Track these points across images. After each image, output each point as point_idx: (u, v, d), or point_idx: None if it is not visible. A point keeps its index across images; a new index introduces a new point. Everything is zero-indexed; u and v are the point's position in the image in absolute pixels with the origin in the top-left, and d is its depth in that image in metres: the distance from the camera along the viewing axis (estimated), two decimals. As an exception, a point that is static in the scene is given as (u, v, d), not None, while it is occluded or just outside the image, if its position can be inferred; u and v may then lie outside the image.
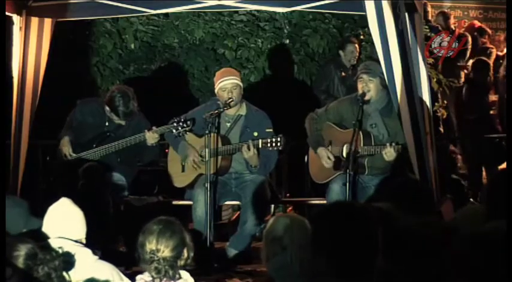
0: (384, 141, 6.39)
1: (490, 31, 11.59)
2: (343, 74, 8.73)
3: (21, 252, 3.48)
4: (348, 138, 6.35)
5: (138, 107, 6.88)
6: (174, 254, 3.91)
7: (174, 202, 6.97)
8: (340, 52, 8.84)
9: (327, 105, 6.99)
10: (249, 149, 6.39)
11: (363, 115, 6.40)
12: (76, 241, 4.20)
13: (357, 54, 8.80)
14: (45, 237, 4.18)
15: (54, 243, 4.06)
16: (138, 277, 3.98)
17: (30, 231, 4.31)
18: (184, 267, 3.99)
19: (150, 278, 3.91)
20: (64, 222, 4.25)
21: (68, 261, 3.73)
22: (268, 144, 6.35)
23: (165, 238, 3.91)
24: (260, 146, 6.40)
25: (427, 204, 4.24)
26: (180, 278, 3.95)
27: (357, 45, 8.79)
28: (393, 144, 6.23)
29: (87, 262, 4.09)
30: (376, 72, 6.35)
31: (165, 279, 3.90)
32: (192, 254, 4.01)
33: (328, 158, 6.58)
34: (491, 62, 10.19)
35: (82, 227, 4.29)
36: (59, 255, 3.57)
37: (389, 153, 6.22)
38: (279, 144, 6.33)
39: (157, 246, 3.90)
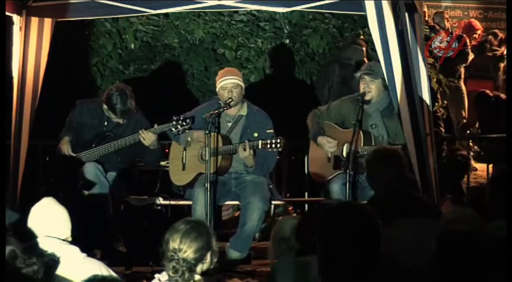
0: (383, 142, 6.40)
1: (502, 35, 11.60)
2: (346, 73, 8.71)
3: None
4: (348, 137, 6.35)
5: (136, 106, 6.88)
6: (196, 257, 3.79)
7: (174, 202, 6.95)
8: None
9: (329, 103, 6.98)
10: (244, 150, 6.38)
11: (364, 115, 6.40)
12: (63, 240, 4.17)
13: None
14: (32, 236, 4.13)
15: (41, 242, 4.03)
16: (157, 275, 3.88)
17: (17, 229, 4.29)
18: (206, 272, 3.86)
19: (166, 278, 3.79)
20: (48, 222, 4.20)
21: (50, 264, 3.66)
22: (268, 146, 6.34)
23: (189, 239, 3.79)
24: (260, 146, 6.38)
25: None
26: None
27: (363, 48, 8.76)
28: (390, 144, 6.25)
29: (74, 259, 4.06)
30: (379, 73, 6.33)
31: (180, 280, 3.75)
32: (215, 260, 3.89)
33: (329, 142, 6.57)
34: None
35: (67, 226, 4.24)
36: (39, 258, 3.51)
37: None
38: (278, 145, 6.31)
39: (180, 246, 3.78)
